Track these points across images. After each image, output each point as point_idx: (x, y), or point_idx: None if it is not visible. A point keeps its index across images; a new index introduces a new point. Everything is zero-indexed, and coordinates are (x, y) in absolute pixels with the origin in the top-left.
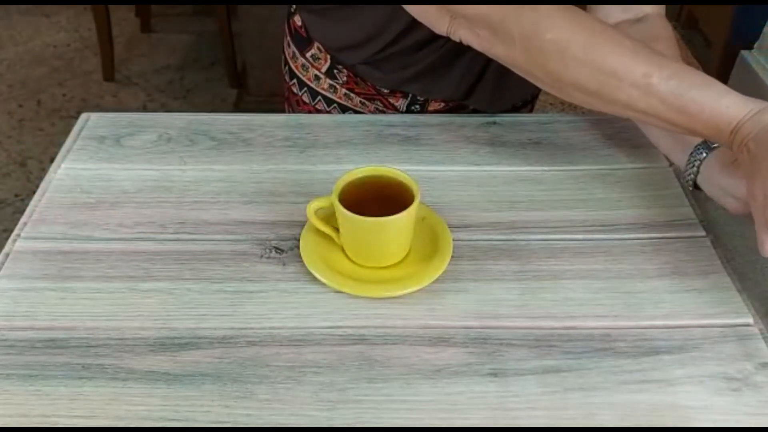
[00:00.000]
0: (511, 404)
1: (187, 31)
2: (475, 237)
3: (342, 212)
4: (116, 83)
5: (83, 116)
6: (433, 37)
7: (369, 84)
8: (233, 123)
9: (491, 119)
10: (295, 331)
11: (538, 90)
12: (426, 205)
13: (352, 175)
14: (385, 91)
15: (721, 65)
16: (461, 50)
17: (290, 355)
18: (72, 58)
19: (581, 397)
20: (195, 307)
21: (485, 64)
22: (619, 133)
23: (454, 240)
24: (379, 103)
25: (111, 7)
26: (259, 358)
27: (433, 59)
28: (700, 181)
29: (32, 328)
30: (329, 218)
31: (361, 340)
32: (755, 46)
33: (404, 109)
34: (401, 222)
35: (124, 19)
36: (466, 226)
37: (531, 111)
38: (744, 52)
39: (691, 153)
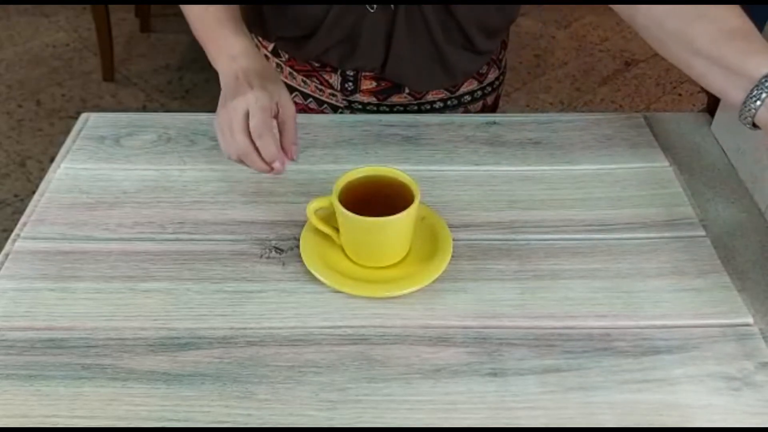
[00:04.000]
0: (511, 404)
1: (187, 32)
2: (474, 237)
3: (342, 212)
4: (115, 83)
5: (83, 116)
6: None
7: (303, 59)
8: None
9: (491, 119)
10: (295, 331)
11: (482, 71)
12: (426, 204)
13: (352, 175)
14: (317, 65)
15: None
16: (355, 18)
17: (290, 355)
18: (71, 58)
19: (581, 396)
20: (195, 307)
21: (389, 29)
22: (618, 133)
23: (453, 240)
24: (316, 80)
25: (110, 7)
26: (259, 358)
27: (345, 30)
28: (761, 118)
29: (32, 329)
30: (329, 218)
31: (360, 340)
32: None
33: (339, 86)
34: (401, 222)
35: (123, 19)
36: (466, 226)
37: (495, 102)
38: None
39: (756, 85)
